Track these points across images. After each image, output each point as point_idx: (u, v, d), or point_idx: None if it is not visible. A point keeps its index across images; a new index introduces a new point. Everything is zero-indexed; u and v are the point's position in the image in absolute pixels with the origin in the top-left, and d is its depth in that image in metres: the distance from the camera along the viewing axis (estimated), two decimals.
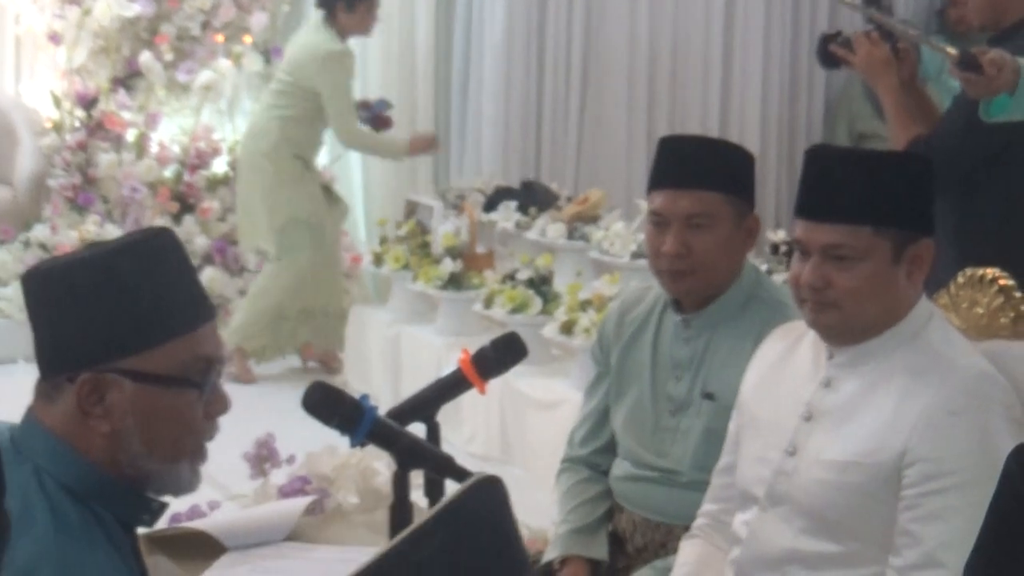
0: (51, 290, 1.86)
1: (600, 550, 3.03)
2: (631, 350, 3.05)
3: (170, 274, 1.91)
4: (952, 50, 3.48)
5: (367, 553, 2.77)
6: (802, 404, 2.46)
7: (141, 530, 2.00)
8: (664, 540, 2.99)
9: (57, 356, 1.87)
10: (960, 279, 2.77)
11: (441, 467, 2.48)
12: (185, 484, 1.95)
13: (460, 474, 2.51)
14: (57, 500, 1.82)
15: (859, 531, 2.37)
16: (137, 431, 1.86)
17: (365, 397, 2.42)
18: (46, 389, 1.88)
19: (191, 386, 1.89)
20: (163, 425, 1.88)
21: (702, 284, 2.91)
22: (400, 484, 2.42)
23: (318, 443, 3.37)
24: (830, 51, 3.97)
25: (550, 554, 3.07)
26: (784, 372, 2.54)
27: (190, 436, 1.92)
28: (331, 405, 2.38)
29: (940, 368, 2.34)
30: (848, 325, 2.38)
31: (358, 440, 2.41)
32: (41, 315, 1.87)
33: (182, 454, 1.92)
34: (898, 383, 2.36)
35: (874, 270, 2.34)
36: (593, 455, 3.15)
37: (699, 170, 2.89)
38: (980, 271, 2.75)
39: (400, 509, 2.41)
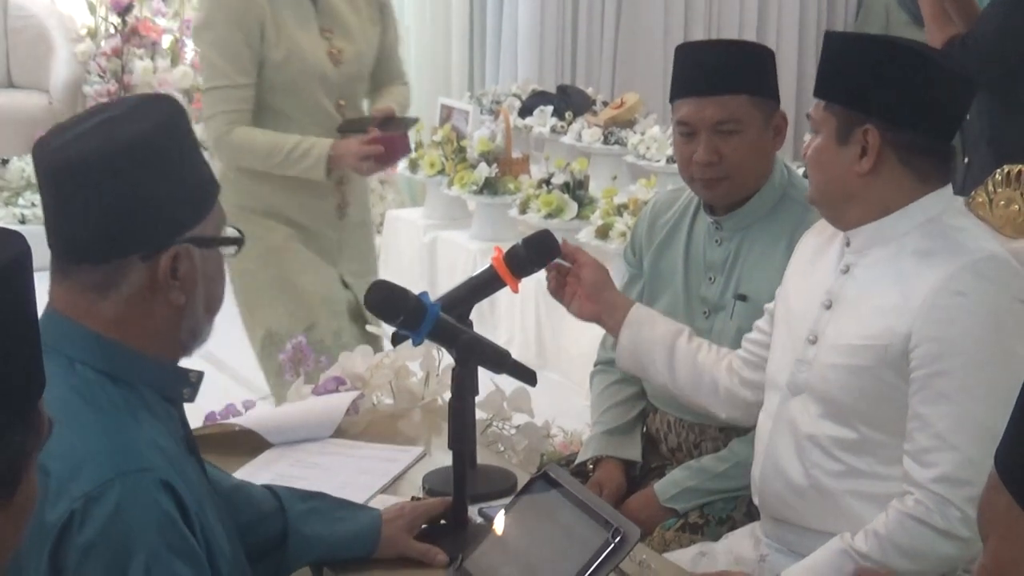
0: (98, 177, 1.85)
1: (634, 451, 3.04)
2: (664, 253, 3.04)
3: (195, 141, 1.98)
4: None
5: (410, 452, 2.80)
6: (824, 292, 2.46)
7: None
8: (698, 440, 3.00)
9: (127, 239, 1.88)
10: (998, 176, 2.75)
11: (498, 362, 2.49)
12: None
13: (516, 369, 2.52)
14: (95, 383, 1.87)
15: (872, 417, 2.38)
16: (204, 295, 1.97)
17: (425, 294, 2.42)
18: (98, 280, 1.89)
19: (240, 242, 2.01)
20: (216, 283, 2.00)
21: (736, 188, 2.89)
22: (460, 381, 2.42)
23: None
24: None
25: (583, 455, 3.08)
26: (816, 265, 2.54)
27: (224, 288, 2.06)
28: (395, 303, 2.39)
29: (949, 252, 2.33)
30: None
31: (421, 338, 2.41)
32: (91, 203, 1.86)
33: (220, 305, 2.05)
34: (907, 265, 2.35)
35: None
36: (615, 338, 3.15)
37: (721, 75, 2.85)
38: (1017, 168, 2.72)
39: (459, 407, 2.42)
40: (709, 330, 2.92)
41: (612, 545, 2.04)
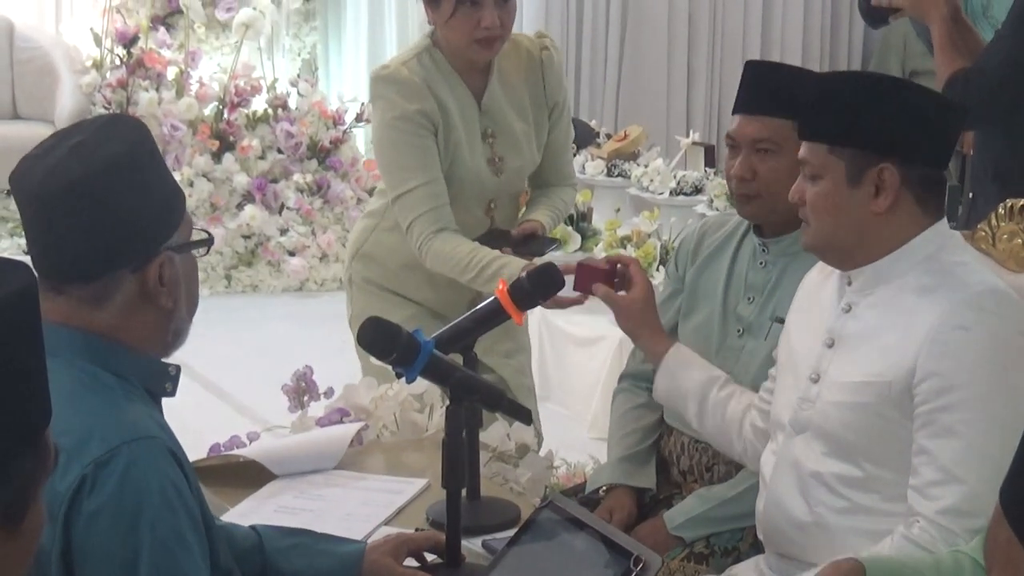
0: (86, 200, 1.93)
1: (648, 479, 3.04)
2: (707, 268, 3.07)
3: (159, 153, 2.07)
4: None
5: (415, 484, 2.80)
6: (825, 331, 2.47)
7: None
8: (710, 463, 3.01)
9: (117, 255, 1.97)
10: (1001, 210, 2.76)
11: (493, 401, 2.47)
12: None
13: (511, 408, 2.51)
14: (94, 374, 1.95)
15: (877, 454, 2.38)
16: (186, 297, 2.06)
17: (418, 331, 2.40)
18: (92, 295, 1.97)
19: (209, 242, 2.12)
20: (195, 283, 2.11)
21: (768, 208, 2.91)
22: (453, 419, 2.39)
23: (356, 377, 3.38)
24: (873, 7, 3.91)
25: (597, 482, 3.09)
26: (816, 302, 2.54)
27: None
28: (388, 341, 2.35)
29: (950, 286, 2.34)
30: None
31: (413, 376, 2.38)
32: (81, 225, 1.93)
33: (198, 304, 2.14)
34: (909, 302, 2.36)
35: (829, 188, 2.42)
36: (653, 372, 3.14)
37: (768, 96, 2.88)
38: (1021, 202, 2.73)
39: (452, 444, 2.38)
40: (741, 348, 2.94)
41: (634, 573, 2.03)
